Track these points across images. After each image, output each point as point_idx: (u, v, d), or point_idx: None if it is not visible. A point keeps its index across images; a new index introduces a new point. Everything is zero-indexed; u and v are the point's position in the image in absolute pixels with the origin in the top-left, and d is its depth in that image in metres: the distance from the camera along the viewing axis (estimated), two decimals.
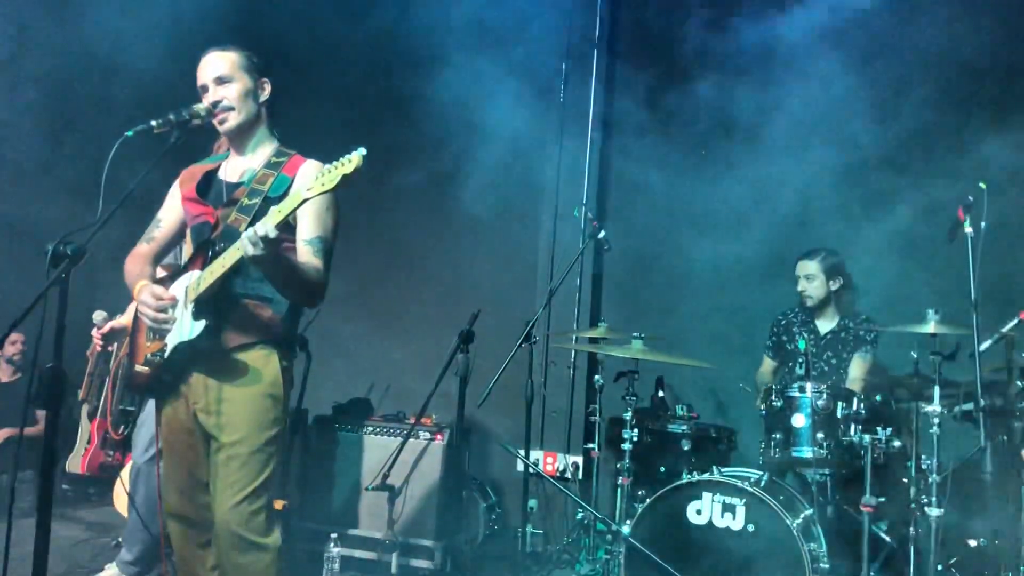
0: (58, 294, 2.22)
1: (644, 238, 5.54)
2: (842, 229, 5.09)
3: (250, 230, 2.46)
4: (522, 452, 4.40)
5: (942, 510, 3.56)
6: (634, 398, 4.26)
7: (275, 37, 5.85)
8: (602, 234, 4.79)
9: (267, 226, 2.44)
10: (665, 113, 5.56)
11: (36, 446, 5.16)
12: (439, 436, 4.61)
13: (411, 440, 4.53)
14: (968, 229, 3.28)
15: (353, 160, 2.38)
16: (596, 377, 4.58)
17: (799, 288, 4.55)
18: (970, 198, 3.29)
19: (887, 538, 3.99)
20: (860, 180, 5.13)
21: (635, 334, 4.23)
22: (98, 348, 3.67)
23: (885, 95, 5.13)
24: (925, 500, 3.63)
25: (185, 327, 2.70)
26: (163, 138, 2.62)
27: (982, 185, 3.27)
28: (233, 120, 2.82)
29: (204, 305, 2.69)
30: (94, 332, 3.70)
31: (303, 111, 4.75)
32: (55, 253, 2.22)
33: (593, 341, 4.74)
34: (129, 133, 2.57)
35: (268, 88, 2.90)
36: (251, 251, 2.45)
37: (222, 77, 2.80)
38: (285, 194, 2.70)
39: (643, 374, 4.39)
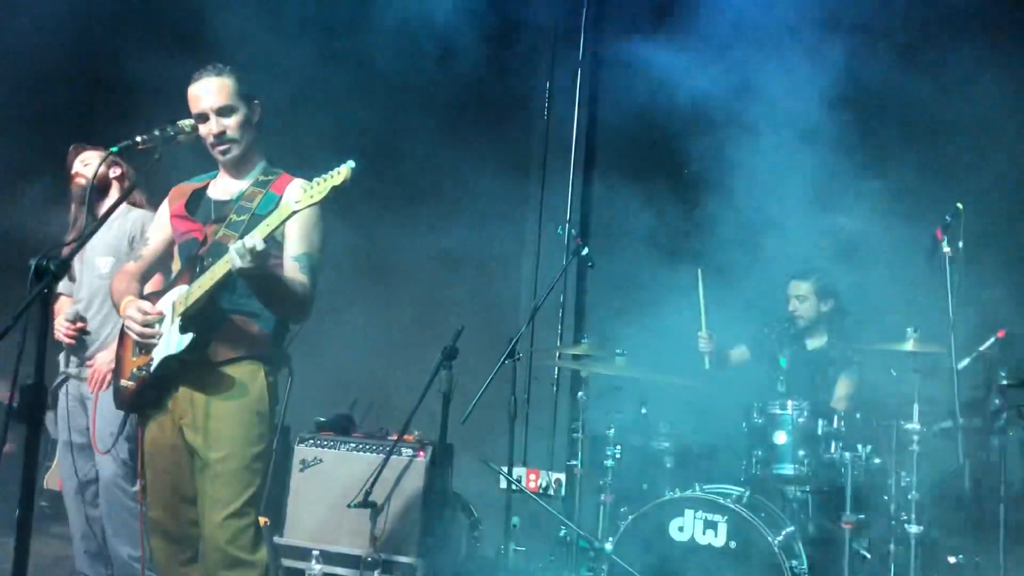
0: (40, 309, 2.20)
1: (628, 255, 5.56)
2: (824, 246, 5.14)
3: (239, 243, 2.46)
4: (505, 469, 4.39)
5: (922, 527, 3.59)
6: (617, 415, 4.27)
7: (257, 54, 5.87)
8: (585, 251, 4.80)
9: (255, 238, 2.45)
10: (649, 131, 5.60)
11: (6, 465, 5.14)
12: (422, 453, 4.60)
13: (394, 457, 4.51)
14: (946, 249, 3.32)
15: (342, 172, 2.40)
16: (579, 394, 4.58)
17: (790, 308, 4.51)
18: (948, 218, 3.33)
19: (867, 555, 4.01)
20: (839, 198, 5.19)
21: (618, 351, 4.24)
22: (65, 340, 3.63)
23: (860, 113, 5.20)
24: (905, 517, 3.66)
25: (172, 341, 2.70)
26: (148, 153, 2.62)
27: (959, 205, 3.31)
28: (236, 151, 2.82)
29: (191, 319, 2.69)
30: (63, 322, 3.64)
31: (287, 127, 4.77)
32: (38, 268, 2.20)
33: (576, 358, 4.75)
34: (114, 149, 2.58)
35: (260, 109, 2.90)
36: (239, 263, 2.46)
37: (223, 108, 2.78)
38: (273, 211, 2.71)
39: (626, 391, 4.40)
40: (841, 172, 5.19)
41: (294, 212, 2.47)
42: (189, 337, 2.66)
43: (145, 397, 2.80)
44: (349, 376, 5.80)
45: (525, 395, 5.38)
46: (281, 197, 2.76)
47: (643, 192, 5.59)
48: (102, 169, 3.76)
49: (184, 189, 2.99)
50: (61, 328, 3.61)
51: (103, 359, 3.64)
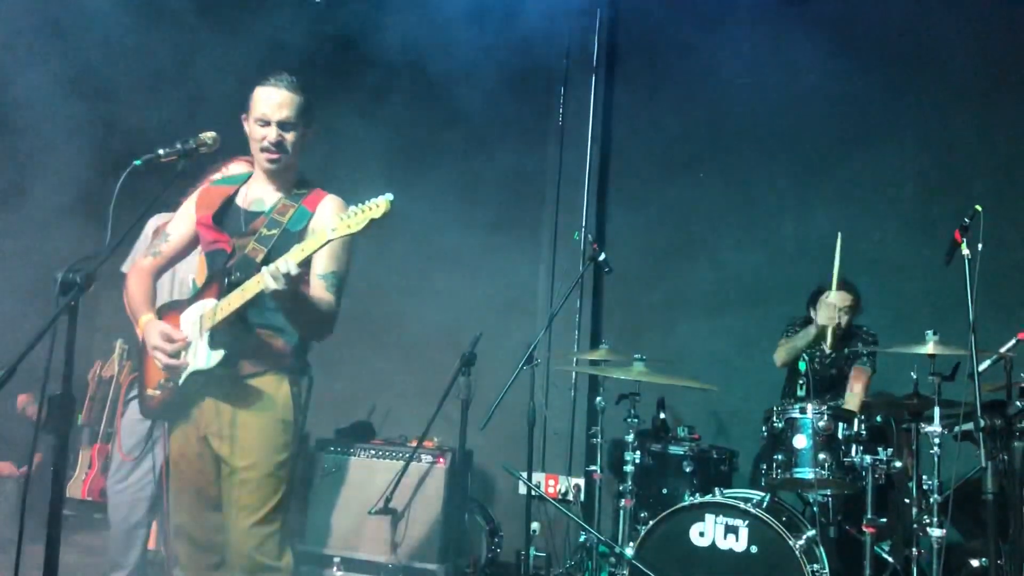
0: (67, 322, 2.24)
1: (644, 260, 5.57)
2: (843, 250, 5.13)
3: (272, 266, 2.50)
4: (524, 475, 4.40)
5: (944, 530, 3.57)
6: (636, 420, 4.27)
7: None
8: (602, 256, 4.80)
9: (289, 263, 2.48)
10: (664, 135, 5.61)
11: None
12: (441, 459, 4.62)
13: (413, 463, 4.54)
14: (965, 251, 3.30)
15: (381, 206, 2.43)
16: (598, 399, 4.59)
17: (827, 319, 4.33)
18: (967, 220, 3.32)
19: (889, 559, 4.00)
20: (858, 201, 5.18)
21: (636, 356, 4.24)
22: None
23: (878, 117, 5.19)
24: (927, 520, 3.64)
25: (200, 355, 2.73)
26: (171, 166, 2.64)
27: (978, 207, 3.29)
28: (282, 164, 2.82)
29: (220, 334, 2.71)
30: None
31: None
32: (64, 281, 2.24)
33: (594, 363, 4.75)
34: (137, 162, 2.60)
35: (312, 134, 2.90)
36: (272, 286, 2.49)
37: (287, 122, 2.77)
38: (305, 229, 2.77)
39: (644, 396, 4.40)
40: (860, 175, 5.19)
41: (329, 240, 2.49)
42: (220, 354, 2.69)
43: (171, 407, 2.83)
44: (368, 383, 5.83)
45: (543, 401, 5.39)
46: (313, 214, 2.79)
47: (661, 195, 5.60)
48: None
49: (213, 194, 2.97)
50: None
51: None
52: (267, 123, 2.77)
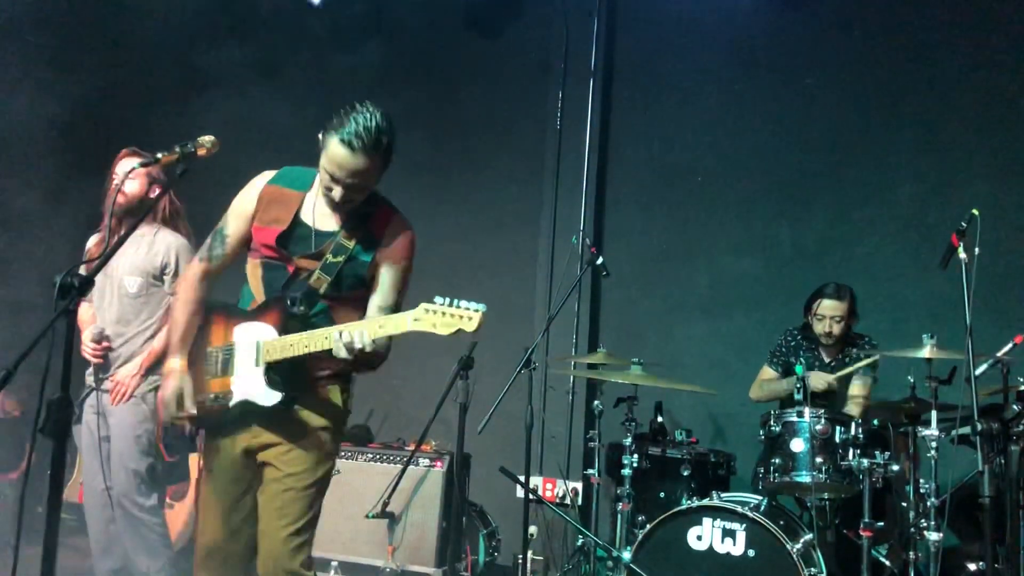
0: (65, 325, 2.24)
1: (642, 264, 5.58)
2: (840, 254, 5.14)
3: (348, 336, 2.42)
4: (522, 478, 4.40)
5: (941, 534, 3.57)
6: (633, 423, 4.27)
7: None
8: (600, 260, 4.81)
9: (365, 340, 2.42)
10: (662, 138, 5.62)
11: None
12: (439, 463, 4.62)
13: (411, 467, 4.54)
14: (962, 255, 3.31)
15: (474, 319, 2.32)
16: (595, 403, 4.59)
17: (824, 329, 4.40)
18: (963, 224, 3.33)
19: (887, 562, 4.00)
20: (855, 205, 5.19)
21: (634, 359, 4.25)
22: (93, 359, 3.67)
23: (876, 121, 5.20)
24: (924, 524, 3.65)
25: (255, 386, 2.61)
26: (170, 170, 2.63)
27: (975, 212, 3.30)
28: (344, 208, 2.64)
29: (279, 374, 2.61)
30: (89, 343, 3.67)
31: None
32: (63, 284, 2.23)
33: (592, 367, 4.75)
34: (136, 165, 2.60)
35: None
36: (342, 355, 2.43)
37: (358, 186, 2.56)
38: (374, 261, 2.65)
39: (642, 399, 4.40)
40: (857, 179, 5.20)
41: (408, 330, 2.40)
42: (279, 396, 2.59)
43: (210, 420, 2.74)
44: (365, 387, 5.79)
45: (541, 404, 5.39)
46: (379, 241, 2.66)
47: (658, 200, 5.61)
48: (140, 188, 3.67)
49: (281, 196, 2.71)
50: (88, 348, 3.66)
51: (124, 373, 3.69)
52: (336, 180, 2.54)
